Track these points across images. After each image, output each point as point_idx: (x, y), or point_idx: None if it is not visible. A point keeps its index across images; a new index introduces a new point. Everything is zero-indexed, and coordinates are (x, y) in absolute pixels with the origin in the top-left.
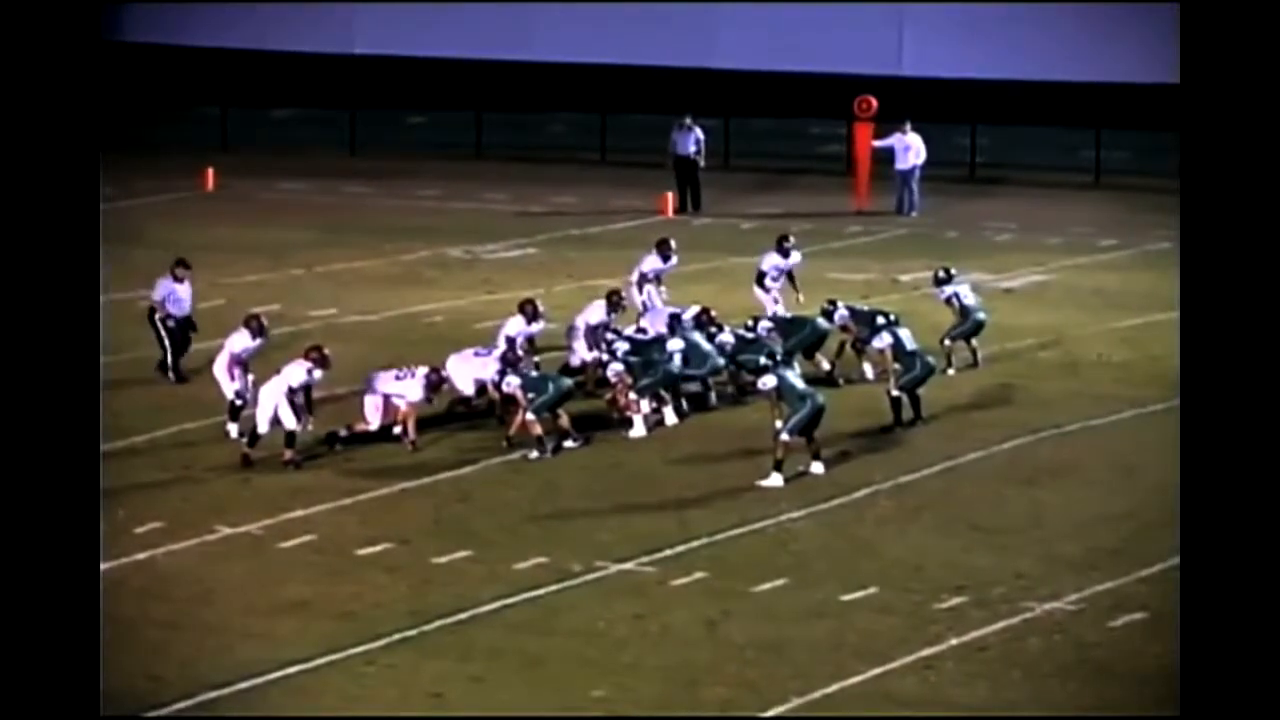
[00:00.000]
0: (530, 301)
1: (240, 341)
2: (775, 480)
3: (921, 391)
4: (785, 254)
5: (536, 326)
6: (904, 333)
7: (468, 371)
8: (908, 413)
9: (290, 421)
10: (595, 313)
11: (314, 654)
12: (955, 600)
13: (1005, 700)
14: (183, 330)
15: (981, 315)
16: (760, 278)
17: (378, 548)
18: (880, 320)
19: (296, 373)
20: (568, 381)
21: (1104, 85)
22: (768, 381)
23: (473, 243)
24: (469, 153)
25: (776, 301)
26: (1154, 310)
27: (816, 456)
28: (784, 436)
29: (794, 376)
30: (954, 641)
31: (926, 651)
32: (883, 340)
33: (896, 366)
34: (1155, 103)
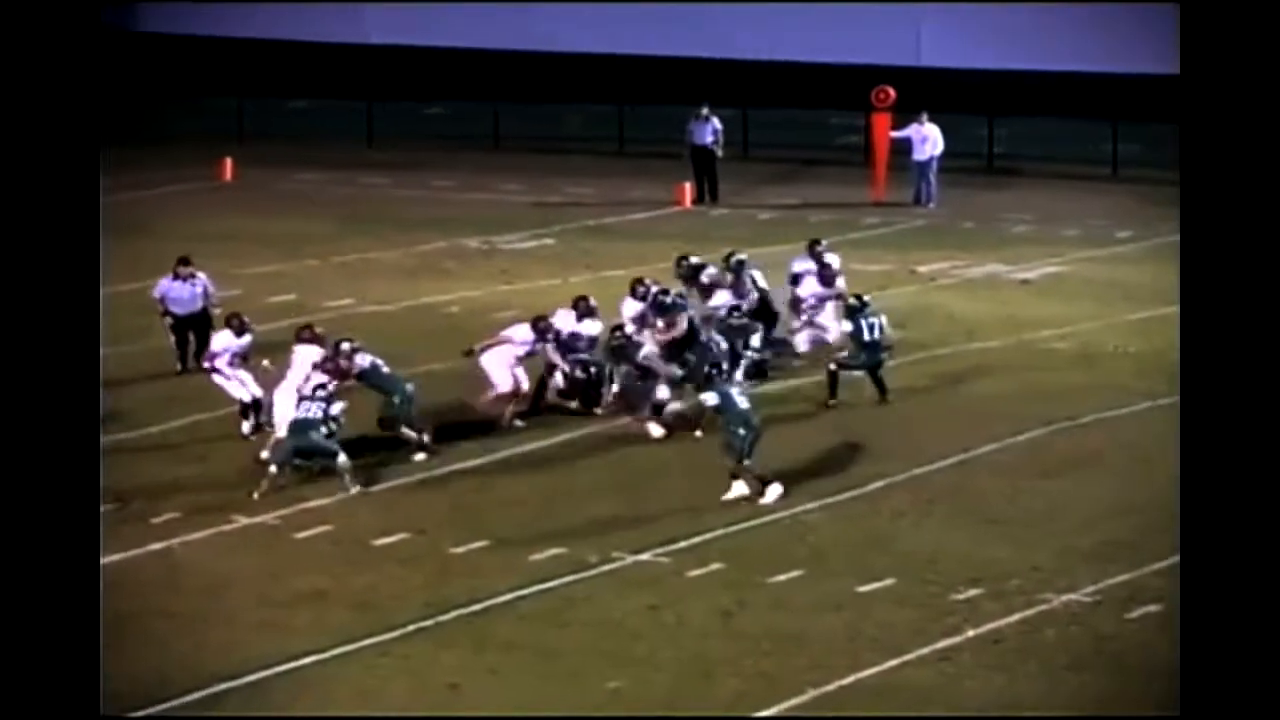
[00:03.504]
0: (542, 317)
1: (221, 340)
2: (773, 492)
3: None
4: (819, 259)
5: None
6: (872, 322)
7: (501, 361)
8: (868, 391)
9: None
10: (629, 308)
11: (329, 644)
12: (971, 592)
13: (1021, 692)
14: (194, 326)
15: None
16: (795, 279)
17: (394, 538)
18: (854, 301)
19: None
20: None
21: (1122, 77)
22: (709, 398)
23: (490, 233)
24: (486, 143)
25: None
26: (1170, 302)
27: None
28: (746, 463)
29: (738, 394)
30: (970, 633)
31: (943, 643)
32: (845, 325)
33: (851, 349)
34: (1172, 95)
